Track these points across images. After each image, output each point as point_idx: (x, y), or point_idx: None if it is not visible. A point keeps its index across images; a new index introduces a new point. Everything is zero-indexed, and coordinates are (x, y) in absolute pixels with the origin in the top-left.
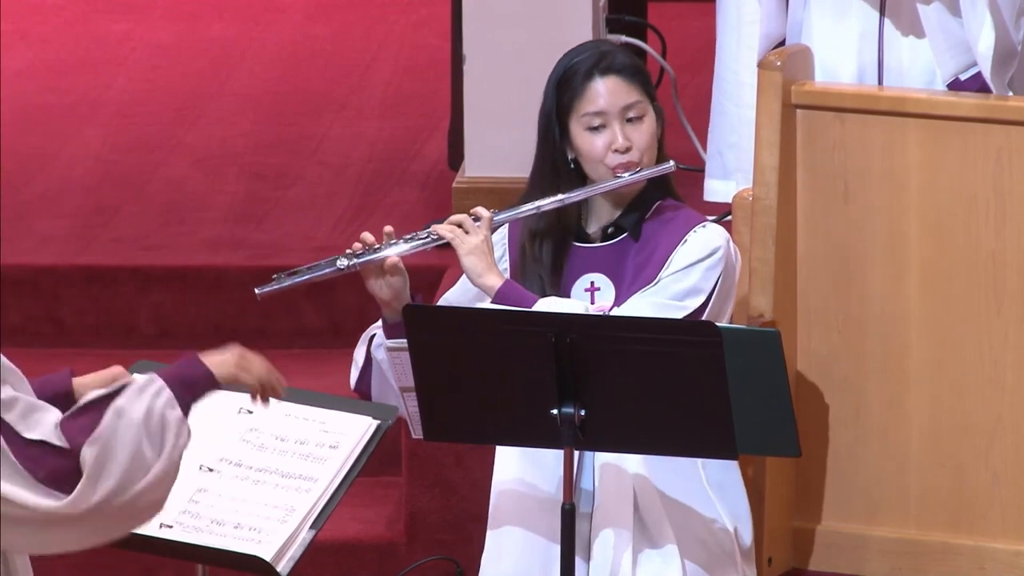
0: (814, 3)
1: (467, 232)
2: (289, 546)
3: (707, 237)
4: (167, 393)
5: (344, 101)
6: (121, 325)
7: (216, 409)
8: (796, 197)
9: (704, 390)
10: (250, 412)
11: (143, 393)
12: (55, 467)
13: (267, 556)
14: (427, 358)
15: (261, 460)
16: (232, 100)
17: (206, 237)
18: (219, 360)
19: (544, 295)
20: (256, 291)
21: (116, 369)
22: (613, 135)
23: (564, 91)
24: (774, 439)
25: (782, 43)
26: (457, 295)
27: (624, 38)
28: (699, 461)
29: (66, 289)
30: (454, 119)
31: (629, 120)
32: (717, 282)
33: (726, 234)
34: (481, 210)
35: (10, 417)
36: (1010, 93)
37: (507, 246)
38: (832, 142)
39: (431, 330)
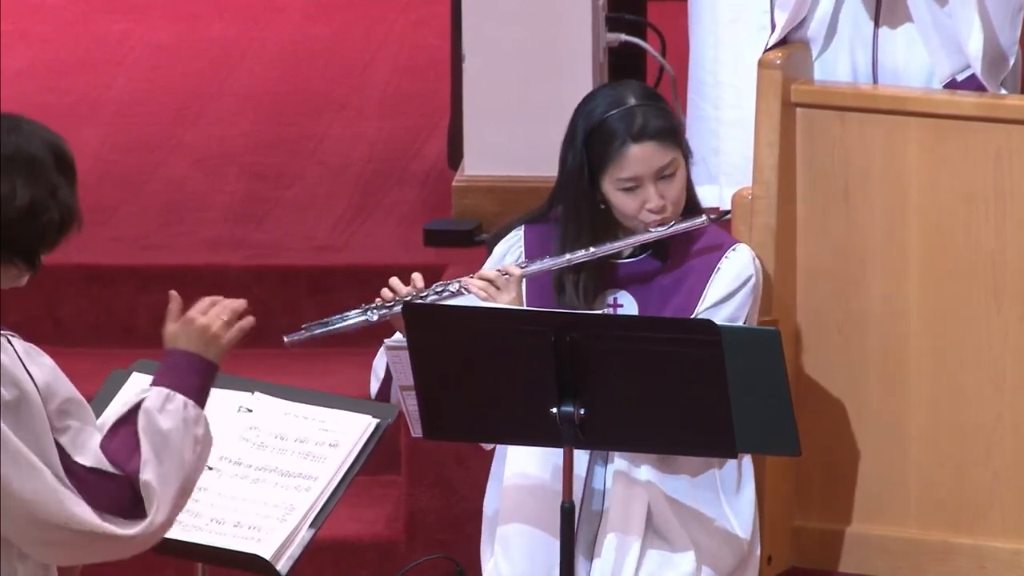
0: None
1: (499, 289)
2: (288, 545)
3: (740, 264)
4: (192, 404)
5: (344, 101)
6: (120, 324)
7: (216, 408)
8: (796, 196)
9: (704, 389)
10: (250, 411)
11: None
12: (113, 495)
13: (267, 555)
14: (427, 357)
15: (261, 459)
16: (232, 100)
17: (206, 237)
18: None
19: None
20: (285, 339)
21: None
22: (648, 195)
23: (595, 149)
24: (774, 438)
25: (782, 42)
26: None
27: (623, 36)
28: (715, 468)
29: (66, 289)
30: (454, 118)
31: (663, 177)
32: (751, 307)
33: (752, 253)
34: (511, 267)
35: (64, 440)
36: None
37: (523, 250)
38: (832, 141)
39: (431, 329)
